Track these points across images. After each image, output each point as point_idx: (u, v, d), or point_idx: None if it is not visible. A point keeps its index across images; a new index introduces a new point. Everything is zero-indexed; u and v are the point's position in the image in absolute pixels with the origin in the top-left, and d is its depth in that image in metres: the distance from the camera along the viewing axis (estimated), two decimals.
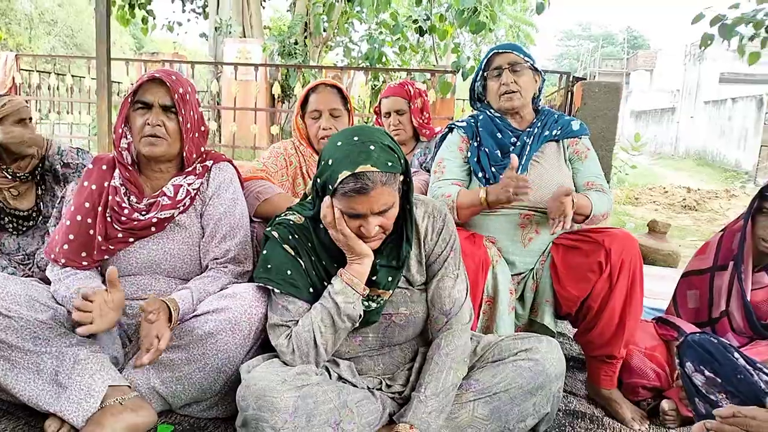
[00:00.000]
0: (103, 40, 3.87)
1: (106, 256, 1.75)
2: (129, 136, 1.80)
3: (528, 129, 2.05)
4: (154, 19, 9.66)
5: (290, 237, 1.53)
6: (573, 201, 1.82)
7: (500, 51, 2.04)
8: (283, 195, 2.10)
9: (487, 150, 2.03)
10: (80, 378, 1.54)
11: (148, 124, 1.71)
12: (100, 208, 1.75)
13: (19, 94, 7.04)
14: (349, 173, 1.35)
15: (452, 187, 2.01)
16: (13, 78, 7.12)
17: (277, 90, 6.30)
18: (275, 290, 1.52)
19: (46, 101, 7.69)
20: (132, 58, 10.79)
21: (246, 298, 1.61)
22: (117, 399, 1.54)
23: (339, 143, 1.41)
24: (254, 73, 6.09)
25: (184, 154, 1.80)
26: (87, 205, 1.76)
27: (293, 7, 10.87)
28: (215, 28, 10.41)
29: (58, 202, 2.30)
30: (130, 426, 1.52)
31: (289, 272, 1.51)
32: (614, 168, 8.00)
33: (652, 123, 23.27)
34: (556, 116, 2.10)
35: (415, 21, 7.08)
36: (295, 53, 10.02)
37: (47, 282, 1.79)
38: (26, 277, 2.15)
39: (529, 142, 2.01)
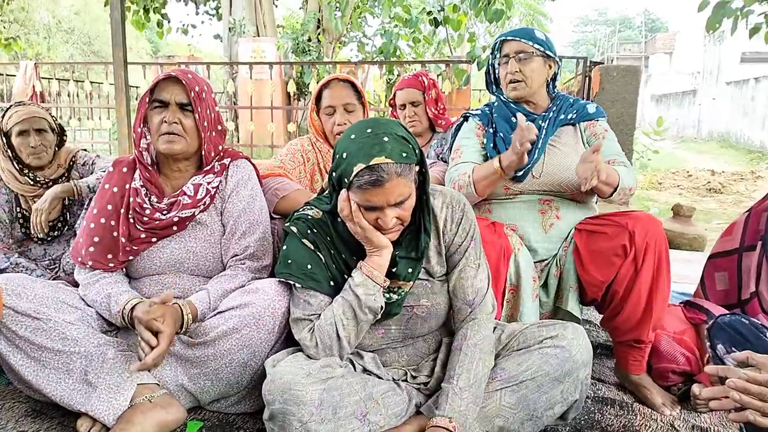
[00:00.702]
0: (119, 46, 3.92)
1: (130, 257, 1.77)
2: (148, 136, 1.81)
3: (543, 113, 2.03)
4: (169, 22, 9.75)
5: (309, 231, 1.54)
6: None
7: (508, 38, 2.02)
8: (301, 191, 2.10)
9: (502, 135, 2.02)
10: (109, 377, 1.56)
11: (165, 121, 1.73)
12: (122, 210, 1.78)
13: (43, 102, 7.17)
14: (364, 166, 1.34)
15: (467, 165, 2.00)
16: (33, 86, 7.26)
17: (292, 87, 6.32)
18: (296, 285, 1.53)
19: (67, 108, 7.82)
20: (148, 61, 10.91)
21: (268, 292, 1.62)
22: (146, 396, 1.56)
23: (353, 136, 1.40)
24: (269, 72, 6.12)
25: (203, 153, 1.82)
26: (109, 207, 1.78)
27: (306, 5, 10.89)
28: (229, 28, 10.49)
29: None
30: (160, 423, 1.54)
31: (309, 266, 1.52)
32: (636, 153, 7.90)
33: (673, 106, 22.88)
34: (571, 101, 2.08)
35: (429, 13, 7.03)
36: (309, 50, 10.04)
37: (74, 285, 1.82)
38: (53, 280, 2.19)
39: (545, 126, 1.99)
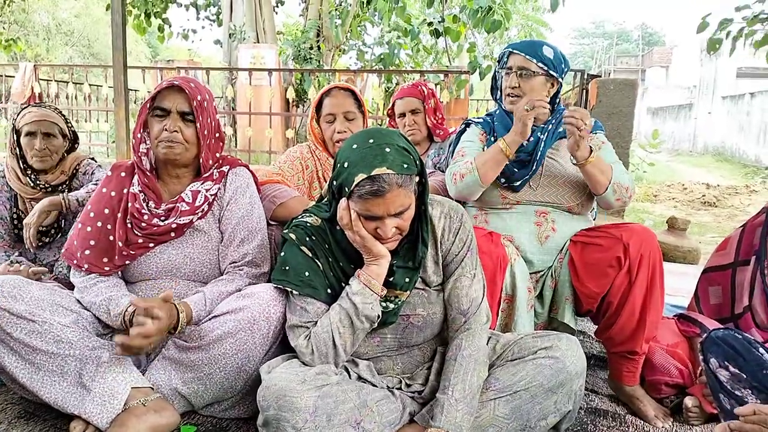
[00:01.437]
0: (119, 49, 3.94)
1: (127, 261, 1.78)
2: (148, 142, 1.82)
3: (542, 126, 2.05)
4: (169, 27, 9.78)
5: (307, 239, 1.54)
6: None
7: (515, 51, 2.02)
8: (298, 198, 2.11)
9: None
10: (103, 380, 1.56)
11: (166, 129, 1.74)
12: (119, 215, 1.78)
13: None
14: (365, 176, 1.35)
15: (468, 156, 2.03)
16: (32, 88, 7.26)
17: (291, 94, 6.34)
18: (293, 292, 1.53)
19: (65, 110, 7.80)
20: (148, 65, 10.92)
21: (264, 297, 1.62)
22: (140, 400, 1.56)
23: (354, 146, 1.41)
24: (268, 78, 6.13)
25: (201, 160, 1.82)
26: (107, 211, 1.79)
27: (306, 12, 10.94)
28: (229, 34, 10.51)
29: None
30: (154, 427, 1.54)
31: (306, 273, 1.52)
32: (632, 165, 7.93)
33: (669, 119, 23.01)
34: None
35: (430, 24, 7.06)
36: (311, 58, 10.07)
37: (69, 288, 1.82)
38: None
39: (543, 138, 2.01)
